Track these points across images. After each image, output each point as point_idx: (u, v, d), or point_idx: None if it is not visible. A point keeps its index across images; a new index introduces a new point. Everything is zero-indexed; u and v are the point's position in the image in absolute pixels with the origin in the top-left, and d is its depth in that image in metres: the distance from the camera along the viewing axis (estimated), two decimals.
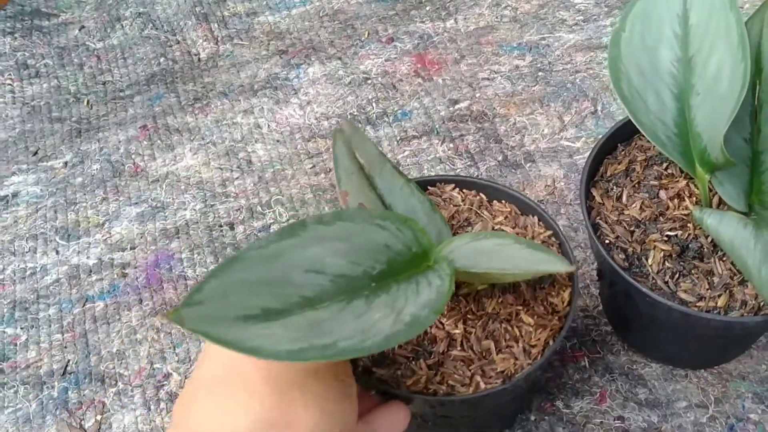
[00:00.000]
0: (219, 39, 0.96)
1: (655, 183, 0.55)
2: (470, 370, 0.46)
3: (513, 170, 0.75)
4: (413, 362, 0.46)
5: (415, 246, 0.40)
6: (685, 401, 0.59)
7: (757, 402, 0.59)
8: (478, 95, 0.82)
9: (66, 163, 0.85)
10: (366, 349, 0.32)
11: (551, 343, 0.47)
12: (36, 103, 0.93)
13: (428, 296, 0.36)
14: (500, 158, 0.77)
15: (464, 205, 0.54)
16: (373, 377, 0.45)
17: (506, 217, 0.53)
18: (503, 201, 0.54)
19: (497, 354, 0.46)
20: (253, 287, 0.32)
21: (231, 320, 0.30)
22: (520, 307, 0.48)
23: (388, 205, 0.45)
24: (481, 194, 0.55)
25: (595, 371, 0.62)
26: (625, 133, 0.59)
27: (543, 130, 0.78)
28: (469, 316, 0.48)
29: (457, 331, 0.47)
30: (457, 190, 0.55)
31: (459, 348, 0.46)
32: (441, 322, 0.47)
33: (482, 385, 0.45)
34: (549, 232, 0.52)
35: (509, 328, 0.47)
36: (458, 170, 0.76)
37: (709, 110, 0.49)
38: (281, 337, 0.31)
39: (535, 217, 0.53)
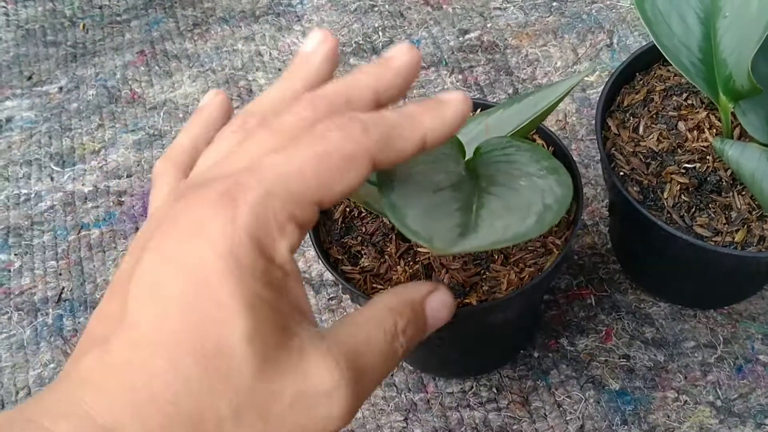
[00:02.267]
0: None
1: (674, 114, 0.53)
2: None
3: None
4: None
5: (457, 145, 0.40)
6: (693, 341, 0.58)
7: (767, 344, 0.57)
8: (489, 25, 0.79)
9: (61, 89, 0.82)
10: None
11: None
12: (30, 26, 0.90)
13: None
14: (510, 91, 0.74)
15: None
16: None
17: None
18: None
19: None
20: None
21: None
22: None
23: None
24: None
25: (602, 309, 0.61)
26: (643, 63, 0.56)
27: (556, 63, 0.75)
28: None
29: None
30: None
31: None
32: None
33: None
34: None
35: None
36: None
37: (737, 35, 0.46)
38: None
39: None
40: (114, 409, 0.22)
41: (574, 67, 0.74)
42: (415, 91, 0.75)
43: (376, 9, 0.83)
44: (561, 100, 0.44)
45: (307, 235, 0.50)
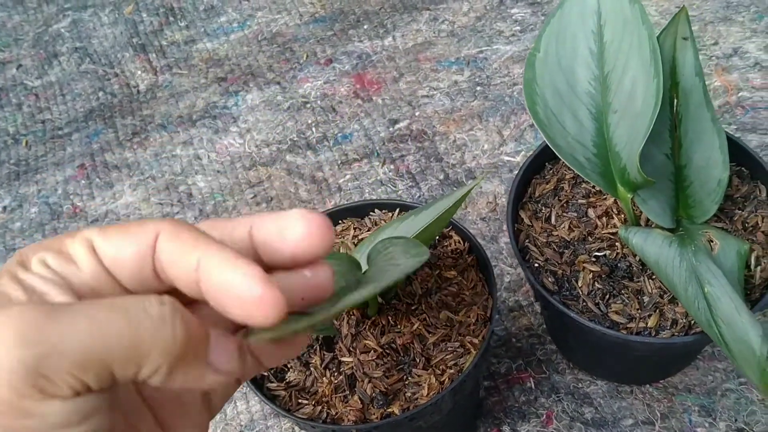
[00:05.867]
0: (158, 69, 0.95)
1: (584, 201, 0.55)
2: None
3: (455, 188, 0.74)
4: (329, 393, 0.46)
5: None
6: (632, 418, 0.59)
7: (704, 415, 0.58)
8: (417, 114, 0.81)
9: (5, 208, 0.83)
10: None
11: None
12: None
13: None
14: (441, 177, 0.76)
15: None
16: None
17: None
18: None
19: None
20: None
21: None
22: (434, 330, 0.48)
23: None
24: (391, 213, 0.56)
25: (541, 392, 0.61)
26: (552, 151, 0.58)
27: (483, 146, 0.77)
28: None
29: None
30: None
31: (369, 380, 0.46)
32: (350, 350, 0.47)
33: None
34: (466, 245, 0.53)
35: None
36: (400, 192, 0.75)
37: (627, 128, 0.48)
38: None
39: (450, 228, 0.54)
40: None
41: (501, 148, 0.77)
42: (350, 184, 0.77)
43: (308, 105, 0.85)
44: (458, 205, 0.46)
45: None
